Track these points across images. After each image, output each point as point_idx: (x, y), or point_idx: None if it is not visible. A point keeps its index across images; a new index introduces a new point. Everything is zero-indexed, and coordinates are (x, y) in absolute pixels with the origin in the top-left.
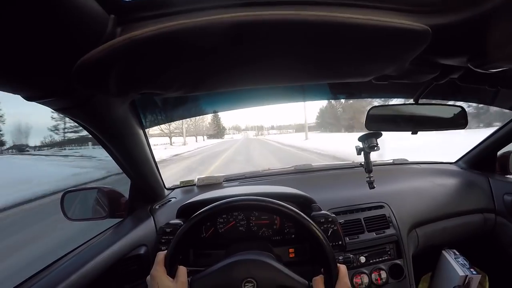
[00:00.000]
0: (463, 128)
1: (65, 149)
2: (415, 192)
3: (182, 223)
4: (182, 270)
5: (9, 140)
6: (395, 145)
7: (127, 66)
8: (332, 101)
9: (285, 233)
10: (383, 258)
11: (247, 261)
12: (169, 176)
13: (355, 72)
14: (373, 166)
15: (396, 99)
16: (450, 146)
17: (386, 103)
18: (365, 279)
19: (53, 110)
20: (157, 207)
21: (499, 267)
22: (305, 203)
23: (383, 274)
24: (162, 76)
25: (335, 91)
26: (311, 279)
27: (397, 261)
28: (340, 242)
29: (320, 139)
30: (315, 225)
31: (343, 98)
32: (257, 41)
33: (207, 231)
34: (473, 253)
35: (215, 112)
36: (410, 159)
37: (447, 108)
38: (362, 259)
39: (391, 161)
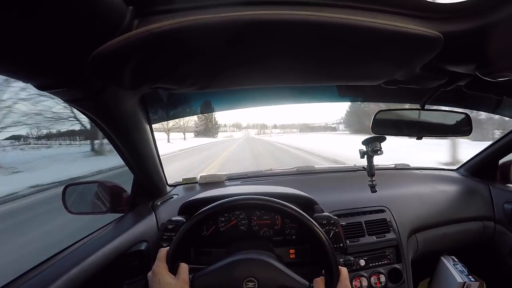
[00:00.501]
0: (468, 135)
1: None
2: (416, 197)
3: (185, 220)
4: (183, 267)
5: None
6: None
7: (143, 59)
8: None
9: (286, 234)
10: (383, 262)
11: (249, 260)
12: None
13: (366, 75)
14: (375, 170)
15: (402, 103)
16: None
17: (392, 107)
18: (364, 282)
19: (63, 101)
20: (159, 203)
21: (497, 275)
22: (308, 205)
23: (382, 278)
24: (177, 71)
25: (343, 94)
26: (311, 280)
27: (396, 266)
28: (341, 245)
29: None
30: (318, 226)
31: (349, 101)
32: (274, 40)
33: (208, 230)
34: (472, 261)
35: (221, 110)
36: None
37: (452, 115)
38: (362, 262)
39: (393, 165)
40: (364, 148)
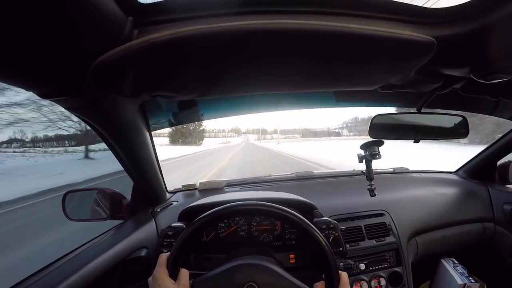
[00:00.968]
0: (464, 137)
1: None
2: (415, 200)
3: (185, 226)
4: (184, 273)
5: None
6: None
7: (143, 67)
8: None
9: (285, 239)
10: (383, 266)
11: (249, 265)
12: None
13: (362, 81)
14: (374, 174)
15: (399, 107)
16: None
17: (389, 112)
18: (365, 286)
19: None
20: (158, 210)
21: (498, 276)
22: (307, 210)
23: (383, 282)
24: (176, 79)
25: (339, 99)
26: (312, 285)
27: (397, 269)
28: (341, 249)
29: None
30: (317, 231)
31: (346, 106)
32: (271, 48)
33: (208, 235)
34: (472, 262)
35: (220, 117)
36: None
37: (449, 118)
38: (362, 266)
39: (392, 169)
40: (362, 152)
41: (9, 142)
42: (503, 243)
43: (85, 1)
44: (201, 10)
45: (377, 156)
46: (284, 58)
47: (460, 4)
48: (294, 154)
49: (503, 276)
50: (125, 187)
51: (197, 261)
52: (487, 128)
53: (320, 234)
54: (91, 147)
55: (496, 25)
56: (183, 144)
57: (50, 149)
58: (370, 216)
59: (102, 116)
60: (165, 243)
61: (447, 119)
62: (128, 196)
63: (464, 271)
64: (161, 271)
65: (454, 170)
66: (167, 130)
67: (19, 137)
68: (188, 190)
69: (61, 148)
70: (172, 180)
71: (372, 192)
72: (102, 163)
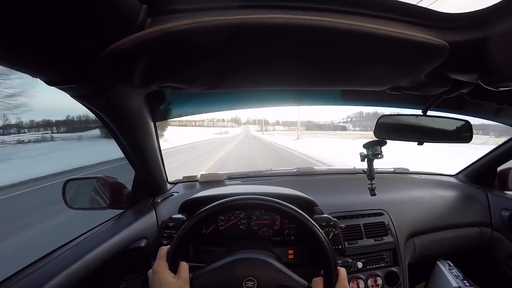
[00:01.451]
0: (468, 142)
1: None
2: (414, 201)
3: (185, 218)
4: (184, 266)
5: None
6: None
7: (155, 57)
8: None
9: (285, 234)
10: (380, 265)
11: (249, 259)
12: None
13: (372, 81)
14: (375, 173)
15: (404, 109)
16: None
17: (395, 113)
18: (361, 285)
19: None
20: (159, 200)
21: (492, 280)
22: (308, 206)
23: (379, 281)
24: (189, 71)
25: (346, 98)
26: (310, 281)
27: (393, 269)
28: (340, 246)
29: None
30: (318, 227)
31: (353, 105)
32: (287, 43)
33: (207, 228)
34: (468, 266)
35: (224, 110)
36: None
37: (453, 121)
38: (359, 264)
39: (393, 169)
40: (364, 151)
41: None
42: (499, 248)
43: None
44: (217, 1)
45: (379, 155)
46: (299, 54)
47: (474, 11)
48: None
49: (497, 281)
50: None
51: (196, 254)
52: None
53: (321, 231)
54: None
55: (508, 33)
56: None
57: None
58: (369, 215)
59: (109, 106)
60: (165, 235)
61: (451, 122)
62: (128, 185)
63: (459, 274)
64: (161, 264)
65: (454, 174)
66: None
67: None
68: (189, 181)
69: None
70: None
71: (372, 191)
72: None
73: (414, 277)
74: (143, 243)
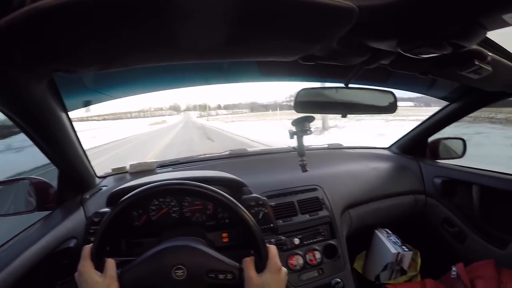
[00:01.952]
0: (393, 113)
1: None
2: (348, 175)
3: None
4: (110, 263)
5: None
6: None
7: (31, 38)
8: None
9: (218, 218)
10: (317, 239)
11: (175, 247)
12: None
13: (280, 49)
14: (308, 150)
15: (327, 82)
16: None
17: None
18: (300, 260)
19: None
20: (87, 196)
21: (430, 243)
22: (236, 187)
23: (318, 255)
24: (70, 50)
25: (264, 72)
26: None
27: (331, 242)
28: (271, 225)
29: None
30: (240, 205)
31: (272, 80)
32: (175, 10)
33: (139, 219)
34: (406, 232)
35: (143, 92)
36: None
37: (377, 93)
38: (296, 241)
39: (326, 145)
40: (293, 128)
41: None
42: (433, 213)
43: None
44: None
45: (307, 131)
46: (193, 19)
47: None
48: None
49: (435, 243)
50: None
51: (128, 247)
52: None
53: (243, 209)
54: None
55: None
56: None
57: None
58: (302, 192)
59: (6, 97)
60: (91, 231)
61: (376, 94)
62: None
63: (397, 240)
64: (85, 264)
65: (387, 146)
66: None
67: None
68: (119, 173)
69: None
70: None
71: (304, 168)
72: None
73: (354, 248)
74: (72, 243)
